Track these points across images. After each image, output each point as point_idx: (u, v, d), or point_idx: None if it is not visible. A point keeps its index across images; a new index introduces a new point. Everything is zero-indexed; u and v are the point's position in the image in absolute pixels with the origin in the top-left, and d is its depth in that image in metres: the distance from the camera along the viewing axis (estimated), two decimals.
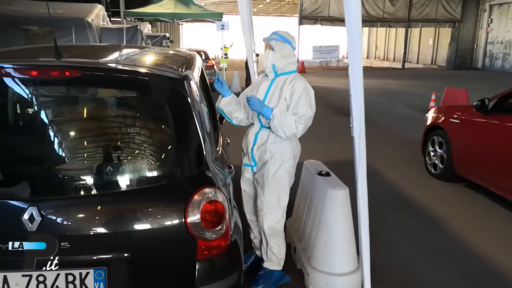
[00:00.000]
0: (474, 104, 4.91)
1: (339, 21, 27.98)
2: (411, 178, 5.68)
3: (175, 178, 2.00)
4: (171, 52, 3.42)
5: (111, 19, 20.26)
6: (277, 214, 2.91)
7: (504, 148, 4.34)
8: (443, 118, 5.53)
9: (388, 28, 32.84)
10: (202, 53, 15.93)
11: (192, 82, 2.27)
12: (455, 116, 5.28)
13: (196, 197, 1.92)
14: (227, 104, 2.92)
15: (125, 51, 2.89)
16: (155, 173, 2.01)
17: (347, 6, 2.25)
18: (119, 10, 17.44)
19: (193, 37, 40.75)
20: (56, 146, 2.01)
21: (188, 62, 2.68)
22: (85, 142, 2.09)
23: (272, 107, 2.77)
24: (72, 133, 2.10)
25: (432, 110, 6.01)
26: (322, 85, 16.98)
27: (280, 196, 2.90)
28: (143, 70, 2.18)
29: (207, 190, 1.96)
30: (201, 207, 1.91)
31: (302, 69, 25.05)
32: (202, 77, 3.20)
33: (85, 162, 2.01)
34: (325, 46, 26.85)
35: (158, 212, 1.93)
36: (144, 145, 2.08)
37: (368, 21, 27.68)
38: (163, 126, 2.15)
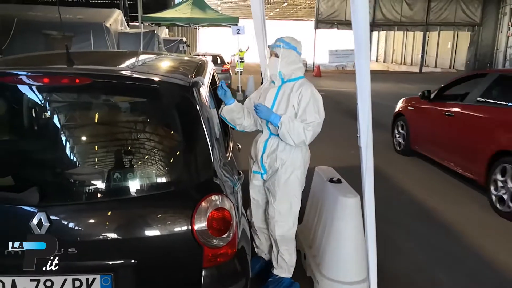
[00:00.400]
0: (419, 94, 6.55)
1: None
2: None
3: (182, 185, 2.00)
4: (182, 58, 3.45)
5: (130, 23, 20.58)
6: (289, 221, 2.90)
7: (440, 128, 5.93)
8: (404, 106, 7.16)
9: (405, 32, 32.53)
10: (217, 57, 16.01)
11: (201, 89, 2.28)
12: (411, 104, 6.92)
13: (203, 204, 1.92)
14: (230, 112, 2.86)
15: (136, 57, 2.92)
16: (162, 180, 2.01)
17: (354, 13, 2.22)
18: (137, 14, 17.71)
19: (210, 41, 41.02)
20: (64, 152, 2.03)
21: (198, 68, 2.69)
22: (94, 148, 2.11)
23: (280, 115, 2.75)
24: (80, 140, 2.12)
25: (400, 100, 7.43)
26: (337, 89, 16.87)
27: (292, 203, 2.88)
28: (152, 77, 2.19)
29: (214, 197, 1.95)
30: (208, 215, 1.91)
31: (318, 73, 24.96)
32: (213, 82, 3.21)
33: (94, 168, 2.03)
34: (341, 50, 26.73)
35: (165, 218, 1.93)
36: (152, 151, 2.08)
37: (385, 24, 27.55)
38: (171, 133, 2.15)
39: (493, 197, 4.63)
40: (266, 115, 2.73)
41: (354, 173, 6.24)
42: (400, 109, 7.21)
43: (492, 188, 4.65)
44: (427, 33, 29.54)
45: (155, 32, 15.56)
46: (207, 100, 2.34)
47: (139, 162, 2.05)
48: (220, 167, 2.18)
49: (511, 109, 4.69)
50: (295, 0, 36.94)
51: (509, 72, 6.72)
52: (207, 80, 2.63)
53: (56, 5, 17.87)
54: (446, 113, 5.73)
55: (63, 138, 2.05)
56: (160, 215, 1.94)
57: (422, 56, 30.64)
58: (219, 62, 15.66)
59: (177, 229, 1.91)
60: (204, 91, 2.36)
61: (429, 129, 6.25)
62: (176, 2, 19.83)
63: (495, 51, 27.45)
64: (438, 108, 6.00)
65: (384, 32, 35.49)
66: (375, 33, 33.47)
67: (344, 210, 2.84)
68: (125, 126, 2.15)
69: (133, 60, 2.80)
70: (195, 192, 1.97)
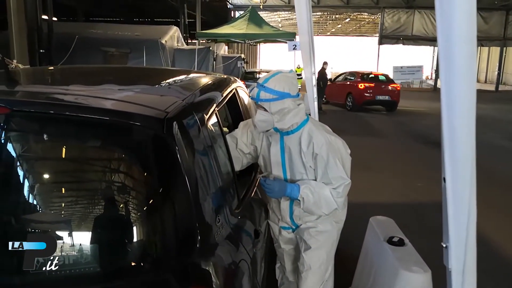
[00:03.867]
0: (328, 78, 16.33)
1: (423, 40, 26.24)
2: None
3: (145, 275, 1.29)
4: (195, 76, 2.66)
5: (189, 41, 20.76)
6: (323, 276, 2.26)
7: (333, 89, 16.19)
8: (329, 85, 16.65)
9: (479, 47, 30.15)
10: None
11: (192, 121, 1.56)
12: (331, 84, 16.27)
13: None
14: None
15: (129, 74, 2.31)
16: (114, 268, 1.32)
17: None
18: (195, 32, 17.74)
19: (270, 58, 40.90)
20: None
21: (204, 89, 2.01)
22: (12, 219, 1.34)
23: (298, 179, 2.15)
24: None
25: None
26: (402, 108, 15.58)
27: (327, 254, 2.27)
28: (106, 105, 1.48)
29: None
30: None
31: None
32: (235, 104, 2.54)
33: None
34: (406, 67, 25.13)
35: None
36: (102, 226, 1.34)
37: None
38: (131, 193, 1.41)
39: (347, 106, 15.15)
40: (281, 194, 2.13)
41: (421, 218, 5.19)
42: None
43: (346, 103, 15.18)
44: (504, 48, 27.15)
45: (211, 48, 15.40)
46: (207, 136, 1.63)
47: (82, 242, 1.30)
48: (217, 236, 1.46)
49: (352, 82, 15.49)
50: (358, 16, 35.83)
51: (354, 72, 16.41)
52: (213, 105, 1.91)
53: (118, 23, 18.37)
54: (336, 85, 16.11)
55: None
56: None
57: (499, 74, 28.18)
58: None
59: None
60: (204, 121, 1.66)
61: (331, 91, 15.76)
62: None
63: None
64: (334, 84, 16.16)
65: None
66: None
67: None
68: (59, 182, 1.43)
69: (116, 77, 2.19)
70: (167, 286, 1.26)
